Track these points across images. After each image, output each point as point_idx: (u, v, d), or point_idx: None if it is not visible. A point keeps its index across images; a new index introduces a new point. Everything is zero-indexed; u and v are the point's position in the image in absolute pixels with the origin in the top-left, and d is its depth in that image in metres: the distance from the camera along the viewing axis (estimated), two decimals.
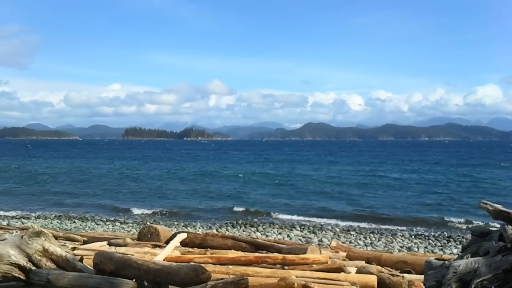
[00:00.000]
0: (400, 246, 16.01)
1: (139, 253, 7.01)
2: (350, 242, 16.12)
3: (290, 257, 6.80)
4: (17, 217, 21.20)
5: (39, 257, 5.40)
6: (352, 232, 18.38)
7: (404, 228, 19.97)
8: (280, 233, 17.76)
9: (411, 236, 17.93)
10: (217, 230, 17.72)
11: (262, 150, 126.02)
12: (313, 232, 18.13)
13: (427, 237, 17.65)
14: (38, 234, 5.56)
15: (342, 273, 6.06)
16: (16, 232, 5.83)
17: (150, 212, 23.60)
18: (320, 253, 7.47)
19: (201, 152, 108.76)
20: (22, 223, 18.24)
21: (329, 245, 10.56)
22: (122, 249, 7.25)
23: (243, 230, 18.40)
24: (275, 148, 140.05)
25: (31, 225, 13.01)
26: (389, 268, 7.09)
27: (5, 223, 16.38)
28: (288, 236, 17.29)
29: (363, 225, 20.50)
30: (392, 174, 46.29)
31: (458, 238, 17.27)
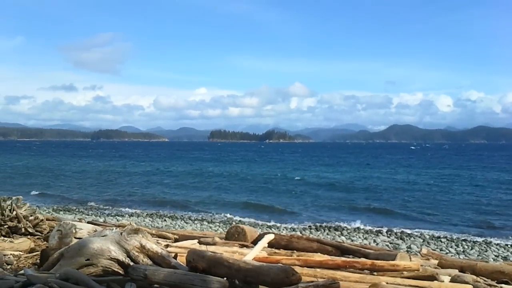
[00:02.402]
0: (495, 255, 15.08)
1: (228, 252, 7.17)
2: (441, 250, 15.42)
3: (379, 262, 6.63)
4: (112, 214, 22.55)
5: (136, 253, 5.69)
6: (442, 240, 17.56)
7: (499, 236, 18.76)
8: (365, 238, 17.38)
9: (507, 246, 16.80)
10: (300, 233, 17.69)
11: (347, 153, 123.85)
12: (401, 238, 17.54)
13: None
14: (136, 231, 5.87)
15: (435, 282, 5.81)
16: (116, 228, 6.18)
17: (238, 213, 23.95)
18: (410, 260, 7.23)
19: (285, 155, 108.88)
20: (117, 220, 19.37)
21: (419, 252, 10.17)
22: (211, 248, 7.46)
23: (327, 234, 18.22)
24: (358, 152, 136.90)
25: (130, 222, 13.76)
26: (484, 278, 6.70)
27: (101, 220, 17.45)
28: (374, 241, 16.87)
29: (454, 232, 19.52)
30: (489, 177, 43.69)
31: None
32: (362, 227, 20.22)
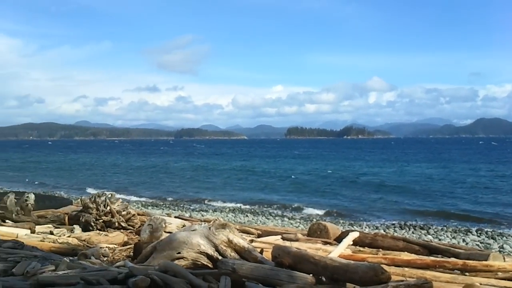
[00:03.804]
0: None
1: (312, 248, 7.19)
2: None
3: (471, 263, 6.37)
4: (196, 209, 23.33)
5: (224, 247, 5.87)
6: None
7: None
8: (454, 237, 16.58)
9: None
10: (384, 231, 17.27)
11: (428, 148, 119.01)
12: (492, 238, 16.58)
13: None
14: (224, 226, 6.07)
15: None
16: (203, 223, 6.42)
17: (318, 210, 23.82)
18: (504, 260, 6.88)
19: (365, 152, 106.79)
20: (202, 215, 20.01)
21: None
22: (295, 244, 7.53)
23: (413, 232, 17.62)
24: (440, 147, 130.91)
25: (217, 217, 14.15)
26: None
27: (187, 215, 18.10)
28: (464, 241, 16.07)
29: None
30: None
31: None
32: (450, 225, 19.37)
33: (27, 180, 39.27)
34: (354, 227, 18.03)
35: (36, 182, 37.45)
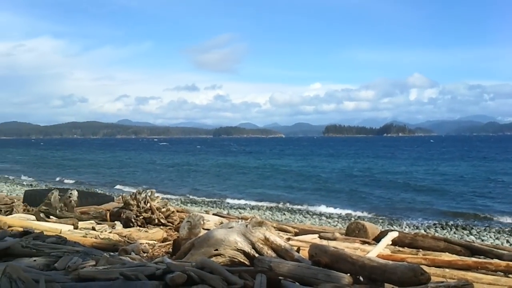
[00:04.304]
0: None
1: (349, 248, 7.13)
2: None
3: None
4: (234, 207, 23.48)
5: (261, 245, 5.88)
6: None
7: None
8: (497, 238, 16.04)
9: None
10: (425, 231, 16.89)
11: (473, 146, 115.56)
12: None
13: None
14: (260, 224, 6.08)
15: None
16: (240, 221, 6.45)
17: (356, 209, 23.50)
18: None
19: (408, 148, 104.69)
20: (240, 212, 20.12)
21: None
22: (332, 243, 7.47)
23: (454, 233, 17.16)
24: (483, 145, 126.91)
25: (255, 215, 14.23)
26: None
27: (225, 212, 18.24)
28: (508, 241, 15.54)
29: None
30: None
31: None
32: (493, 225, 18.78)
33: (62, 176, 40.35)
34: (394, 226, 17.71)
35: (75, 179, 38.47)
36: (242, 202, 25.92)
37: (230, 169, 49.62)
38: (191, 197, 27.66)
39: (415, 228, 18.02)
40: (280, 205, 24.33)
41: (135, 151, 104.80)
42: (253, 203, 25.33)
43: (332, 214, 21.75)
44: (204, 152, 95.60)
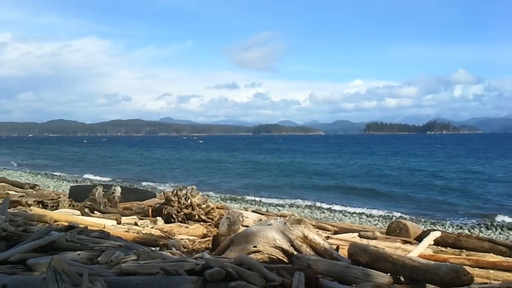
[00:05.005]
0: None
1: (390, 247, 7.01)
2: None
3: None
4: (273, 204, 23.48)
5: (299, 243, 5.87)
6: None
7: None
8: None
9: None
10: (469, 231, 16.41)
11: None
12: None
13: None
14: (299, 221, 6.07)
15: None
16: (279, 218, 6.46)
17: (397, 208, 23.06)
18: None
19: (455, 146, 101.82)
20: (278, 210, 20.12)
21: None
22: (372, 242, 7.37)
23: (500, 233, 16.61)
24: None
25: (293, 213, 14.21)
26: None
27: (264, 209, 18.28)
28: None
29: None
30: None
31: None
32: None
33: (95, 174, 41.23)
34: (436, 226, 17.30)
35: (112, 177, 39.28)
36: (281, 200, 25.87)
37: (267, 167, 49.61)
38: (230, 194, 27.83)
39: (459, 228, 17.55)
40: (319, 204, 24.14)
41: (174, 148, 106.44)
42: (291, 201, 25.25)
43: (373, 213, 21.41)
44: (241, 151, 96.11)
